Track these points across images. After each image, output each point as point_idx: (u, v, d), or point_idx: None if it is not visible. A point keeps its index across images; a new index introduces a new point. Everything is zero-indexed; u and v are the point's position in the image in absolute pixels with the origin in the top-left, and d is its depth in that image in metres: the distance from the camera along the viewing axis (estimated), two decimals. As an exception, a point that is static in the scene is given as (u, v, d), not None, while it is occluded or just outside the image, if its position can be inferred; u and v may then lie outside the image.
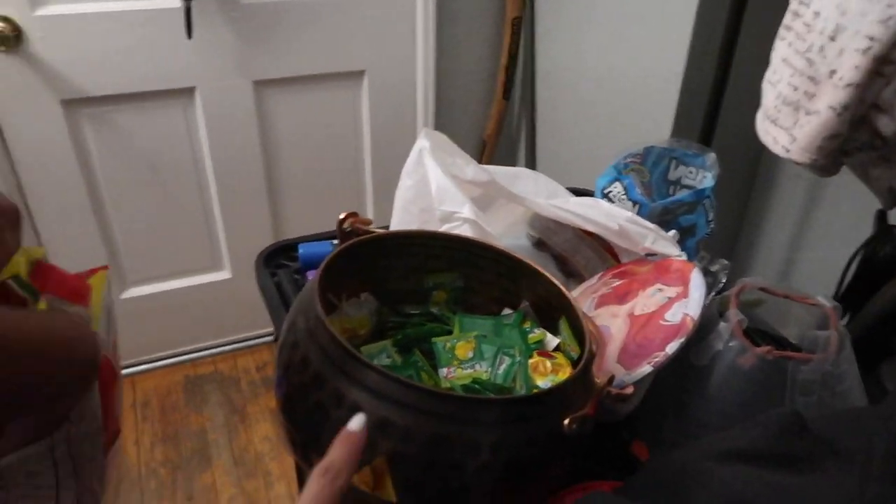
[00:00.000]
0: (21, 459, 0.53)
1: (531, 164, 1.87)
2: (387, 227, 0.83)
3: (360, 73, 1.74)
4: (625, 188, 0.88)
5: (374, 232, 0.65)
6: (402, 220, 0.82)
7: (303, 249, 0.96)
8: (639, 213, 0.85)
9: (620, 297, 0.75)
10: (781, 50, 0.59)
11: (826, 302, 0.69)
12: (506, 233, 0.88)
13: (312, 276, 0.92)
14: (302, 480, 1.18)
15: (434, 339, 0.63)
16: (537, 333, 0.65)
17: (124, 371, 1.91)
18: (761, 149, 0.77)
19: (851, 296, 0.87)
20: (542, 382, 0.59)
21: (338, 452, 0.41)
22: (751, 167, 1.44)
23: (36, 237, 1.61)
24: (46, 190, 1.56)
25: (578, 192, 0.93)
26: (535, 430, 0.49)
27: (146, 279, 1.83)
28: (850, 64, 0.50)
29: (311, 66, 1.67)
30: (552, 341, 0.65)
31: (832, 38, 0.52)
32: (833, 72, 0.52)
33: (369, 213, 1.97)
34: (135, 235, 1.74)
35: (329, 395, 0.49)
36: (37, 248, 0.61)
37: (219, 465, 1.71)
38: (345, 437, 0.42)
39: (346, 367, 0.49)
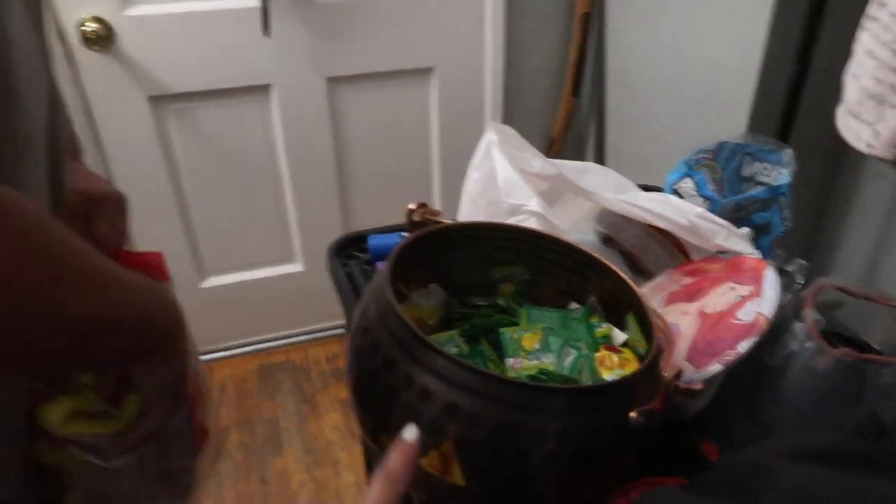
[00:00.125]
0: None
1: (599, 160, 1.85)
2: (455, 220, 0.85)
3: (430, 70, 1.76)
4: (696, 184, 0.86)
5: (442, 223, 0.67)
6: (469, 212, 0.83)
7: (373, 241, 0.98)
8: (710, 210, 0.83)
9: (690, 294, 0.74)
10: (865, 41, 0.57)
11: (910, 303, 0.66)
12: (573, 228, 0.87)
13: (382, 266, 0.95)
14: (370, 470, 1.21)
15: (501, 330, 0.63)
16: (604, 328, 0.65)
17: (203, 357, 2.00)
18: (843, 145, 0.75)
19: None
20: (609, 376, 0.60)
21: (395, 460, 0.44)
22: (831, 164, 1.39)
23: (122, 227, 1.70)
24: (133, 182, 1.65)
25: (648, 189, 0.92)
26: (601, 421, 0.49)
27: (223, 269, 1.91)
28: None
29: (382, 62, 1.70)
30: (619, 336, 0.65)
31: (922, 28, 0.50)
32: (922, 63, 0.50)
33: (437, 207, 1.99)
34: (213, 227, 1.82)
35: (399, 379, 0.50)
36: None
37: (290, 452, 1.77)
38: (400, 447, 0.45)
39: (416, 352, 0.50)
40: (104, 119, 1.57)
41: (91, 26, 1.43)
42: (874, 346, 0.69)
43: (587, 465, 0.50)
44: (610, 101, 1.78)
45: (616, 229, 0.87)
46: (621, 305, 0.66)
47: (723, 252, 0.77)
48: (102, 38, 1.45)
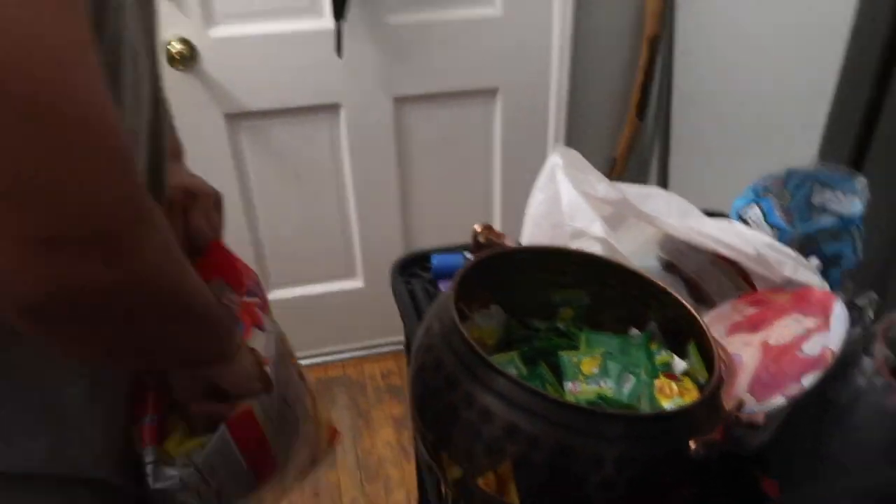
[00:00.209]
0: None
1: (663, 183, 1.83)
2: (518, 242, 0.86)
3: (495, 90, 1.79)
4: (763, 212, 0.85)
5: (506, 245, 0.68)
6: (532, 235, 0.85)
7: (436, 260, 1.00)
8: (778, 239, 0.82)
9: (754, 325, 0.73)
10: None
11: None
12: (635, 253, 0.87)
13: (444, 285, 0.97)
14: (423, 488, 1.22)
15: (560, 353, 0.64)
16: (664, 355, 0.65)
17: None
18: (920, 176, 0.72)
19: None
20: (668, 404, 0.59)
21: None
22: (909, 194, 1.33)
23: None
24: (207, 195, 1.72)
25: (713, 215, 0.91)
26: (660, 450, 0.50)
27: (287, 283, 1.97)
28: None
29: (448, 83, 1.74)
30: (679, 365, 0.65)
31: None
32: None
33: (497, 226, 2.00)
34: (279, 241, 1.88)
35: (461, 397, 0.52)
36: None
37: (343, 466, 1.80)
38: None
39: (479, 372, 0.52)
40: (182, 134, 1.64)
41: (176, 46, 1.51)
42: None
43: (644, 494, 0.50)
44: (675, 125, 1.76)
45: (679, 256, 0.87)
46: (682, 333, 0.65)
47: (789, 283, 0.76)
48: (186, 58, 1.53)
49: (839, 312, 0.66)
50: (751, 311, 0.74)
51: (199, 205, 0.74)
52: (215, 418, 0.62)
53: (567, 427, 0.48)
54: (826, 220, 0.89)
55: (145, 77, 0.55)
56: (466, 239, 0.90)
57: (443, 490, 0.58)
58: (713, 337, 0.61)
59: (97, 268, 0.39)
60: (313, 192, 1.83)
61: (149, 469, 0.59)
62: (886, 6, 1.06)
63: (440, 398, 0.54)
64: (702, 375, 0.61)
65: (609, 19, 1.75)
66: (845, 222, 0.84)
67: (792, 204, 0.92)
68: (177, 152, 0.79)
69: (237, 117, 1.66)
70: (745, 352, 0.69)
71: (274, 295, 1.97)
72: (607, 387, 0.61)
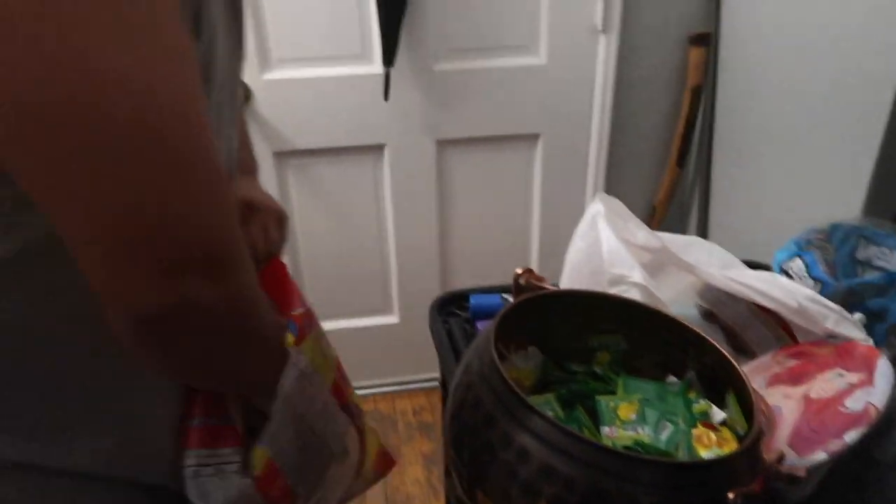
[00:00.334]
0: None
1: (703, 232, 1.82)
2: (556, 285, 0.87)
3: (536, 136, 1.82)
4: (806, 265, 0.85)
5: (546, 288, 0.69)
6: (571, 280, 0.86)
7: (474, 300, 1.02)
8: (821, 292, 0.81)
9: (795, 378, 0.72)
10: None
11: None
12: (674, 300, 0.87)
13: (481, 325, 0.98)
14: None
15: (598, 397, 0.64)
16: (702, 404, 0.65)
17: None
18: (968, 234, 0.72)
19: None
20: (706, 454, 0.59)
21: None
22: (959, 252, 1.31)
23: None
24: (252, 228, 1.78)
25: (753, 266, 0.91)
26: (698, 499, 0.49)
27: (324, 316, 1.98)
28: None
29: (490, 127, 1.77)
30: (718, 414, 0.64)
31: None
32: None
33: (533, 268, 2.01)
34: (318, 274, 1.91)
35: (498, 436, 0.53)
36: None
37: (371, 503, 1.79)
38: None
39: (517, 412, 0.52)
40: (233, 170, 1.71)
41: (231, 87, 1.58)
42: None
43: (680, 542, 0.50)
44: (716, 174, 1.77)
45: (719, 305, 0.87)
46: (721, 383, 0.65)
47: (832, 336, 0.75)
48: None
49: (884, 368, 0.65)
50: (792, 363, 0.74)
51: (258, 219, 0.77)
52: None
53: (604, 471, 0.49)
54: (871, 275, 0.88)
55: (232, 81, 0.58)
56: (502, 280, 0.92)
57: (476, 529, 0.58)
58: (753, 387, 0.60)
59: (207, 285, 0.44)
60: (354, 229, 1.86)
61: (188, 472, 0.60)
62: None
63: (477, 436, 0.55)
64: (741, 426, 0.61)
65: (651, 69, 1.78)
66: (891, 277, 0.83)
67: (836, 258, 0.92)
68: (250, 168, 0.82)
69: (285, 155, 1.72)
70: (785, 405, 0.68)
71: (311, 328, 1.99)
72: (644, 433, 0.61)
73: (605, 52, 1.71)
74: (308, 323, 0.71)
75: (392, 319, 2.04)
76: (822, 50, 1.35)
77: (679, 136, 1.81)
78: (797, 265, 0.86)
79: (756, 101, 1.58)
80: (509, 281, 0.72)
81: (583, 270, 0.84)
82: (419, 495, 1.80)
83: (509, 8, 1.65)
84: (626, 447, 0.60)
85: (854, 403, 0.63)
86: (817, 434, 0.62)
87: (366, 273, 1.95)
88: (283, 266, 0.77)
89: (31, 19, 0.37)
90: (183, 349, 0.48)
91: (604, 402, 0.64)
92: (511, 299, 0.69)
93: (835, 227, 0.91)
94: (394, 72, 1.60)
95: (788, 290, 0.76)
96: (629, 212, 0.86)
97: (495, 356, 0.56)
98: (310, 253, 1.88)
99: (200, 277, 0.44)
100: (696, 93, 1.75)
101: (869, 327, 0.78)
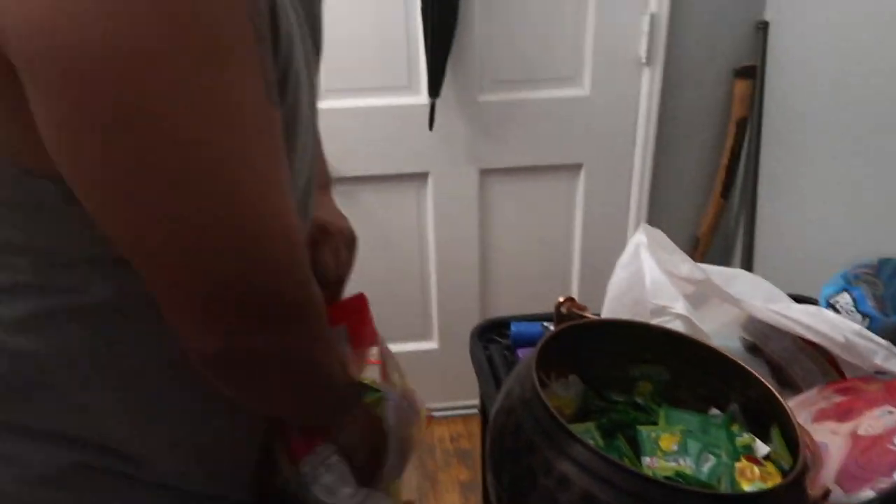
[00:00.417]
0: None
1: (748, 265, 1.80)
2: (597, 314, 0.87)
3: (579, 166, 1.83)
4: (854, 299, 0.84)
5: (588, 317, 0.70)
6: (613, 309, 0.86)
7: (515, 328, 1.03)
8: (869, 328, 0.80)
9: (842, 414, 0.71)
10: None
11: None
12: (718, 333, 0.87)
13: (522, 352, 0.99)
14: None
15: (639, 427, 0.65)
16: (746, 437, 0.64)
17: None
18: None
19: None
20: (749, 488, 0.59)
21: None
22: None
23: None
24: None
25: (799, 300, 0.90)
26: (740, 532, 0.49)
27: (365, 339, 2.02)
28: None
29: (532, 157, 1.79)
30: (762, 448, 0.64)
31: None
32: None
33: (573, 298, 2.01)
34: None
35: (539, 463, 0.53)
36: None
37: (408, 528, 1.79)
38: None
39: (558, 439, 0.53)
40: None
41: (281, 116, 1.64)
42: None
43: (722, 575, 0.49)
44: (762, 206, 1.75)
45: (764, 339, 0.86)
46: (765, 417, 0.65)
47: (881, 373, 0.74)
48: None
49: (935, 407, 0.64)
50: (839, 399, 0.73)
51: (330, 241, 0.80)
52: None
53: (645, 501, 0.49)
54: (922, 312, 0.86)
55: (310, 118, 0.61)
56: (542, 309, 0.93)
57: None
58: (798, 421, 0.60)
59: (274, 337, 0.49)
60: (396, 254, 1.89)
61: (309, 478, 0.65)
62: None
63: (518, 462, 0.55)
64: (785, 461, 0.60)
65: (696, 101, 1.78)
66: (943, 314, 0.81)
67: (885, 293, 0.90)
68: (324, 182, 0.85)
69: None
70: (832, 441, 0.67)
71: (350, 352, 2.02)
72: (686, 464, 0.61)
73: (648, 84, 1.72)
74: (387, 355, 0.77)
75: (431, 345, 2.05)
76: (868, 82, 1.34)
77: (723, 167, 1.80)
78: (845, 299, 0.85)
79: (802, 134, 1.56)
80: (549, 309, 0.73)
81: (624, 300, 0.84)
82: (456, 523, 1.80)
83: (553, 40, 1.68)
84: (668, 478, 0.60)
85: (904, 442, 0.62)
86: (865, 471, 0.61)
87: (407, 298, 1.97)
88: (364, 301, 0.81)
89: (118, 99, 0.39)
90: (251, 388, 0.53)
91: (645, 432, 0.64)
92: (552, 327, 0.70)
93: (884, 262, 0.90)
94: (439, 102, 1.64)
95: (835, 325, 0.75)
96: (672, 243, 0.87)
97: (537, 383, 0.57)
98: (352, 277, 1.91)
99: (270, 330, 0.48)
100: (741, 125, 1.74)
101: (920, 365, 0.77)
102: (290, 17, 0.50)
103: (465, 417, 2.14)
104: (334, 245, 0.80)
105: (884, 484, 0.59)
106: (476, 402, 1.15)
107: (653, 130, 1.77)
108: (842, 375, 0.78)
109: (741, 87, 1.71)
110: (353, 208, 1.79)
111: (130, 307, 0.52)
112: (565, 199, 1.87)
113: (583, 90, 1.74)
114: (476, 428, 1.78)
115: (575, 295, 2.00)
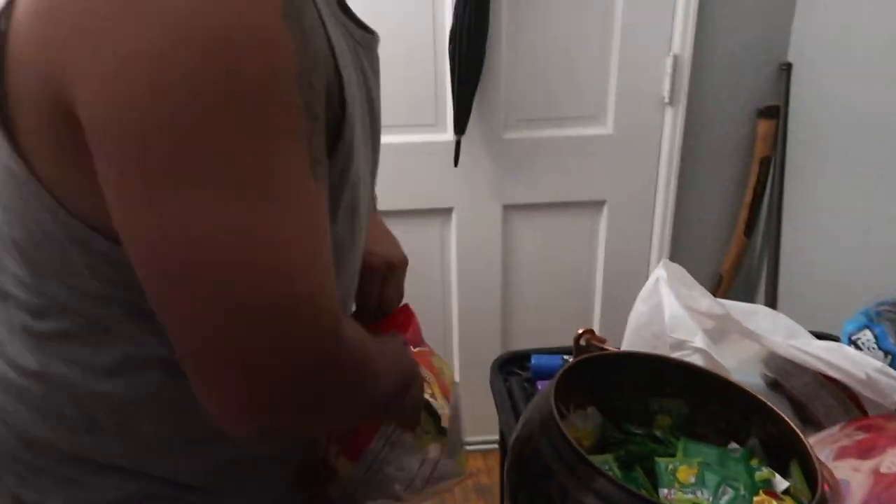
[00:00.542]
0: None
1: (772, 302, 1.79)
2: (617, 348, 0.88)
3: (601, 203, 1.84)
4: (876, 336, 0.84)
5: (607, 349, 0.71)
6: (632, 342, 0.87)
7: (535, 360, 1.03)
8: (891, 364, 0.80)
9: (864, 451, 0.70)
10: None
11: None
12: (738, 369, 0.87)
13: (542, 385, 1.00)
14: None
15: (657, 459, 0.65)
16: (765, 472, 0.64)
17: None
18: None
19: None
20: (768, 522, 0.59)
21: None
22: None
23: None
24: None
25: (820, 337, 0.90)
26: (756, 564, 0.49)
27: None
28: None
29: (556, 194, 1.81)
30: (781, 483, 0.64)
31: None
32: None
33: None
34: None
35: (556, 489, 0.54)
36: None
37: (429, 564, 1.77)
38: None
39: (576, 468, 0.54)
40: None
41: (311, 151, 1.69)
42: None
43: None
44: (785, 244, 1.74)
45: (785, 375, 0.86)
46: (785, 452, 0.65)
47: (904, 411, 0.73)
48: (318, 161, 1.70)
49: (957, 446, 0.63)
50: (860, 435, 0.72)
51: (395, 275, 0.82)
52: None
53: (661, 528, 0.49)
54: (947, 351, 0.86)
55: (369, 188, 0.65)
56: (563, 343, 0.94)
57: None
58: (817, 457, 0.60)
59: (322, 405, 0.49)
60: (420, 288, 1.90)
61: (379, 460, 0.69)
62: None
63: (536, 489, 0.56)
64: (805, 496, 0.60)
65: (719, 141, 1.80)
66: (968, 354, 0.81)
67: (909, 332, 0.90)
68: (373, 204, 0.88)
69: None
70: (853, 478, 0.67)
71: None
72: (703, 497, 0.61)
73: (671, 123, 1.75)
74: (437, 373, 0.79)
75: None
76: (889, 121, 1.34)
77: (746, 205, 1.80)
78: (866, 336, 0.84)
79: (825, 172, 1.57)
80: (570, 344, 0.74)
81: (644, 334, 0.85)
82: (475, 560, 1.77)
83: (577, 80, 1.71)
84: (685, 509, 0.60)
85: (926, 480, 0.61)
86: (887, 510, 0.61)
87: (428, 332, 1.97)
88: (410, 311, 0.84)
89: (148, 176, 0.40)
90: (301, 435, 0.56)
91: (663, 463, 0.64)
92: (572, 360, 0.71)
93: (907, 301, 0.90)
94: (464, 139, 1.68)
95: (856, 361, 0.75)
96: (692, 278, 0.87)
97: (555, 411, 0.58)
98: (376, 310, 1.93)
99: (297, 409, 0.47)
100: (765, 163, 1.75)
101: (944, 404, 0.76)
102: (356, 95, 0.53)
103: (484, 453, 2.12)
104: (398, 279, 0.83)
105: (905, 522, 0.58)
106: (495, 437, 1.16)
107: (675, 169, 1.78)
108: (864, 413, 0.78)
109: (764, 126, 1.72)
110: (381, 242, 1.83)
111: None
112: (588, 236, 1.89)
113: (606, 129, 1.76)
114: (495, 463, 1.77)
115: (596, 330, 2.00)
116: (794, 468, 0.63)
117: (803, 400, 0.81)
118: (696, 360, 0.76)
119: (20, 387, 0.56)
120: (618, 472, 0.67)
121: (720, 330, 0.87)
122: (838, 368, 0.75)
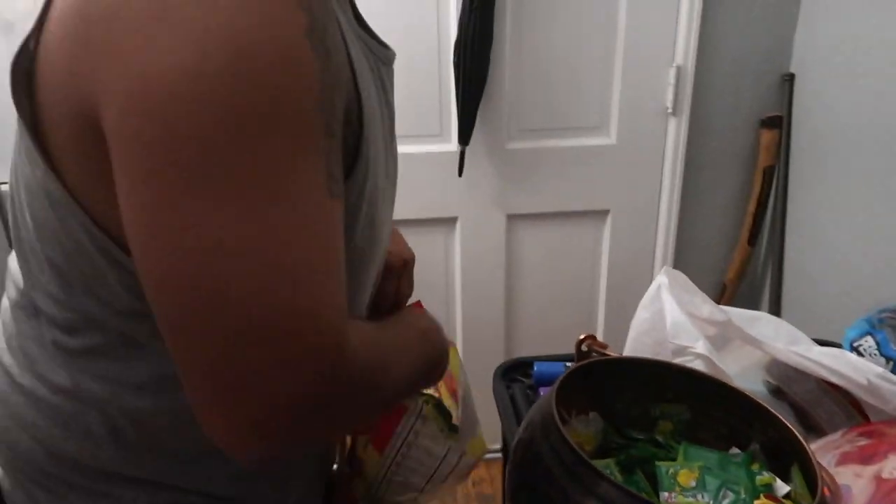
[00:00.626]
0: None
1: (776, 311, 1.79)
2: (620, 354, 0.88)
3: (605, 213, 1.85)
4: (877, 343, 0.84)
5: (609, 355, 0.72)
6: (635, 349, 0.87)
7: (538, 367, 1.04)
8: (893, 371, 0.80)
9: (866, 457, 0.71)
10: None
11: None
12: (741, 376, 0.87)
13: (544, 391, 1.00)
14: None
15: (658, 463, 0.65)
16: (766, 476, 0.65)
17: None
18: None
19: None
20: (768, 526, 0.59)
21: None
22: None
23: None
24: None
25: (823, 344, 0.90)
26: (756, 566, 0.50)
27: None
28: None
29: (560, 204, 1.82)
30: (782, 488, 0.64)
31: None
32: None
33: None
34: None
35: (557, 492, 0.55)
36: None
37: (431, 573, 1.77)
38: None
39: (577, 472, 0.54)
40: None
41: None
42: None
43: None
44: (789, 253, 1.74)
45: (787, 382, 0.86)
46: (785, 456, 0.65)
47: (906, 417, 0.73)
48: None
49: (958, 451, 0.64)
50: (862, 441, 0.72)
51: (408, 272, 0.84)
52: None
53: (660, 530, 0.50)
54: (949, 358, 0.86)
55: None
56: (566, 351, 0.94)
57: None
58: (818, 461, 0.60)
59: (314, 425, 0.47)
60: (423, 295, 1.91)
61: (401, 455, 0.72)
62: None
63: (537, 492, 0.57)
64: (805, 500, 0.60)
65: (722, 150, 1.80)
66: (970, 361, 0.81)
67: (911, 339, 0.90)
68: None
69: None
70: (855, 483, 0.67)
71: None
72: (704, 500, 0.61)
73: (675, 133, 1.75)
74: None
75: (457, 389, 2.05)
76: (891, 131, 1.35)
77: (750, 214, 1.81)
78: (868, 343, 0.85)
79: (828, 181, 1.57)
80: (572, 351, 0.75)
81: (646, 340, 0.85)
82: (478, 571, 1.77)
83: (581, 90, 1.72)
84: (686, 513, 0.60)
85: (927, 485, 0.61)
86: (888, 514, 0.61)
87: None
88: (422, 307, 0.86)
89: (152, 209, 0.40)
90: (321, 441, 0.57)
91: (664, 467, 0.65)
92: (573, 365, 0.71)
93: (909, 308, 0.90)
94: (468, 149, 1.69)
95: (858, 367, 0.75)
96: (694, 285, 0.88)
97: (556, 416, 0.59)
98: (381, 319, 1.94)
99: (302, 426, 0.45)
100: (768, 173, 1.75)
101: (946, 410, 0.76)
102: (376, 110, 0.54)
103: (487, 462, 2.12)
104: (410, 274, 0.84)
105: (906, 526, 0.58)
106: (498, 446, 1.16)
107: (679, 178, 1.79)
108: (866, 419, 0.78)
109: (767, 136, 1.73)
110: (383, 251, 1.84)
111: None
112: (591, 245, 1.89)
113: (610, 139, 1.77)
114: (498, 472, 1.77)
115: (600, 336, 2.00)
116: (795, 473, 0.63)
117: (806, 406, 0.82)
118: (698, 366, 0.77)
119: (50, 403, 0.56)
120: (619, 476, 0.67)
121: (722, 337, 0.87)
122: (840, 375, 0.75)
